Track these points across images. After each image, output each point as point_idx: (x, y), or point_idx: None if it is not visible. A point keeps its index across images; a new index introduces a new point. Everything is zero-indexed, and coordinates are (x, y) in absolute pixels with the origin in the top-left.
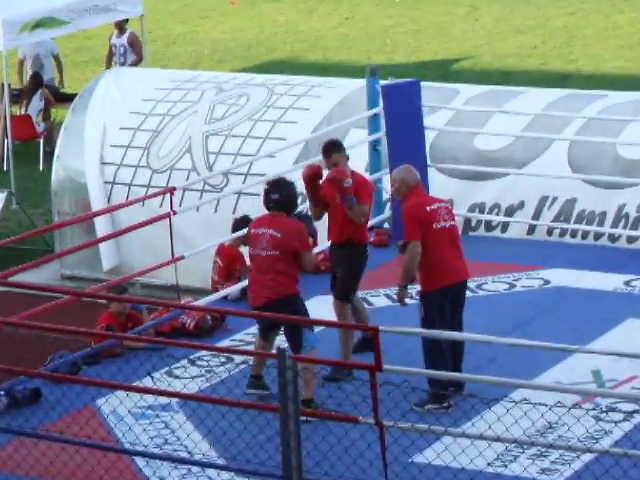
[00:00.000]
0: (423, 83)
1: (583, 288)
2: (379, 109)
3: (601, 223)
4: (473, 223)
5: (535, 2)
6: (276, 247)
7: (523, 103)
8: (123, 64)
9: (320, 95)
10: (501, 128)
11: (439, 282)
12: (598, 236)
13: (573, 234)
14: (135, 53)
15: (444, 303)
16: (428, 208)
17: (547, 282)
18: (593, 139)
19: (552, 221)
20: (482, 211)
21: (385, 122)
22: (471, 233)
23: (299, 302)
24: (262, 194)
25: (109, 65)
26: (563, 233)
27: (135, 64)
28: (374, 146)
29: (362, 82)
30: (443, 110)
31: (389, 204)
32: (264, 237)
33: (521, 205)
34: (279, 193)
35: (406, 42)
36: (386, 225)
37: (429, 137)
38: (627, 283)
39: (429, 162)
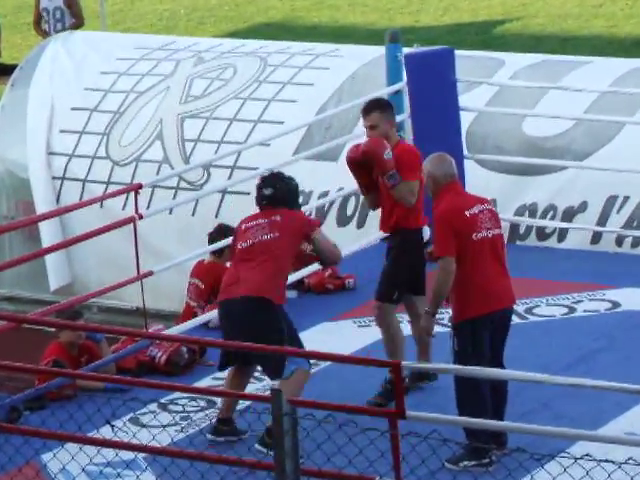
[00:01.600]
0: (458, 51)
1: None
2: (402, 85)
3: None
4: (522, 230)
5: None
6: (277, 230)
7: (586, 77)
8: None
9: (327, 67)
10: (557, 109)
11: (478, 309)
12: None
13: None
14: (74, 16)
15: (483, 335)
16: (467, 213)
17: (616, 305)
18: None
19: (622, 227)
20: (533, 215)
21: (410, 101)
22: (519, 242)
23: (279, 315)
24: (255, 191)
25: (44, 36)
26: (637, 243)
27: (75, 29)
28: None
29: (381, 50)
30: (484, 86)
31: None
32: (260, 225)
33: (583, 207)
34: (273, 187)
35: None
36: None
37: (466, 120)
38: None
39: (466, 152)
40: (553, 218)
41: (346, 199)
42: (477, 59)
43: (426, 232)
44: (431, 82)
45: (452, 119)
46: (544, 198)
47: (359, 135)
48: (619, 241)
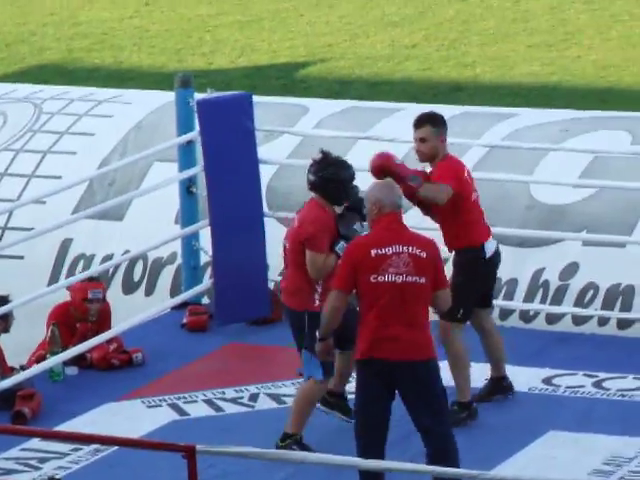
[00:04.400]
0: (256, 97)
1: None
2: (194, 134)
3: (510, 295)
4: None
5: None
6: (290, 238)
7: (398, 125)
8: None
9: (110, 114)
10: (367, 162)
11: (363, 351)
12: (506, 314)
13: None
14: None
15: (369, 378)
16: (374, 252)
17: None
18: (497, 176)
19: None
20: None
21: (203, 153)
22: None
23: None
24: None
25: None
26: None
27: None
28: (187, 187)
29: (170, 95)
30: (285, 136)
31: (209, 269)
32: (293, 220)
33: None
34: (315, 174)
35: (232, 38)
36: (205, 300)
37: (266, 174)
38: (547, 381)
39: (266, 210)
40: None
41: (133, 263)
42: (277, 106)
43: (489, 247)
44: (226, 131)
45: (250, 172)
46: None
47: (146, 191)
48: None
